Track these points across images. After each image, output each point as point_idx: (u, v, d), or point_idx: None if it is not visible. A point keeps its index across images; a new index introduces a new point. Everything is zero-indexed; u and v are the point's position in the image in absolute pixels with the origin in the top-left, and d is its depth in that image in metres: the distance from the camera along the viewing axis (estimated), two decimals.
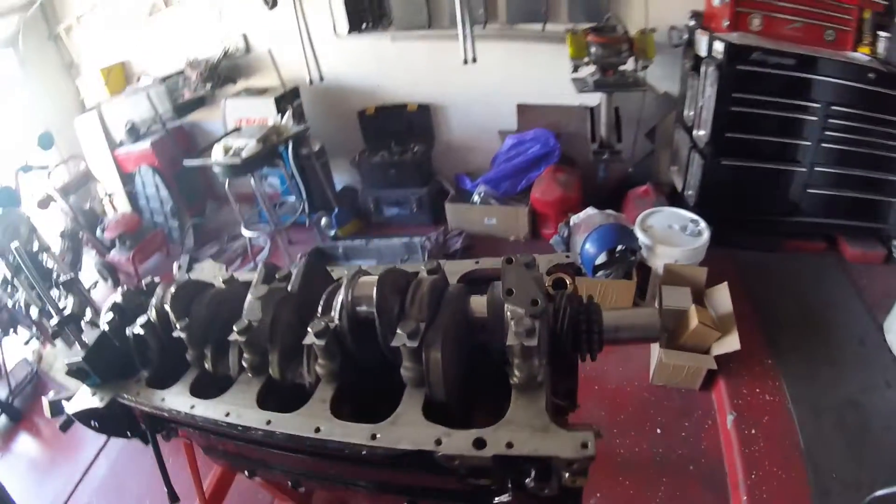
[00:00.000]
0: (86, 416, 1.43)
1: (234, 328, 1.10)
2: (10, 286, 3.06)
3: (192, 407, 1.21)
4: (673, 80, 3.50)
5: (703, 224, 2.85)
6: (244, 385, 1.17)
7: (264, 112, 4.15)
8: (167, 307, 1.31)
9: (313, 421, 0.99)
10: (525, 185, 3.71)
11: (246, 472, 1.64)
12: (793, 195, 3.02)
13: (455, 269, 1.28)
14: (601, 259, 2.82)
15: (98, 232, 4.43)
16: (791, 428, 2.19)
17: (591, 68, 3.13)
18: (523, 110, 3.86)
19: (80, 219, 4.18)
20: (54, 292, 2.91)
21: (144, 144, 4.57)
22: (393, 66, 4.17)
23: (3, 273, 3.01)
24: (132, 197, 4.87)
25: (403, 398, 0.94)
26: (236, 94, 4.52)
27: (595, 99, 3.35)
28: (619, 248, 2.78)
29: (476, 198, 3.83)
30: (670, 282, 2.60)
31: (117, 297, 1.50)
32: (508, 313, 0.85)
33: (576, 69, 3.15)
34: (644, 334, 0.95)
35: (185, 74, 4.50)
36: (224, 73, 4.52)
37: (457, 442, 0.81)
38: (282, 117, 3.83)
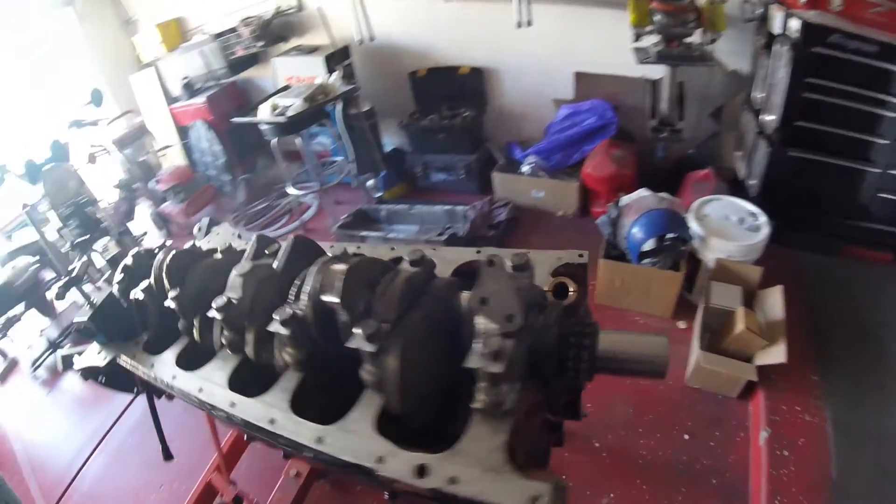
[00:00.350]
0: (92, 373, 1.48)
1: (213, 304, 1.08)
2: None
3: (174, 377, 1.22)
4: (743, 57, 3.14)
5: (762, 218, 2.58)
6: (221, 361, 1.17)
7: (314, 71, 4.15)
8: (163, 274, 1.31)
9: (270, 411, 0.96)
10: (578, 158, 3.50)
11: (245, 437, 1.66)
12: (862, 197, 2.68)
13: (454, 258, 1.18)
14: (649, 245, 2.62)
15: (152, 184, 4.64)
16: (825, 455, 2.01)
17: (654, 38, 2.86)
18: (581, 79, 3.61)
19: (134, 171, 4.38)
20: (103, 241, 3.06)
21: (199, 100, 4.71)
22: (446, 27, 4.01)
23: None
24: (186, 151, 5.05)
25: (360, 401, 0.88)
26: (287, 52, 4.53)
27: (658, 72, 3.07)
28: (669, 235, 2.56)
29: (525, 168, 3.67)
30: (721, 278, 2.38)
31: (128, 259, 1.52)
32: (478, 327, 0.75)
33: (637, 38, 2.89)
34: (647, 368, 0.83)
35: (237, 31, 4.54)
36: (276, 30, 4.53)
37: (398, 464, 0.75)
38: (330, 77, 3.79)
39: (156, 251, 1.52)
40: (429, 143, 4.19)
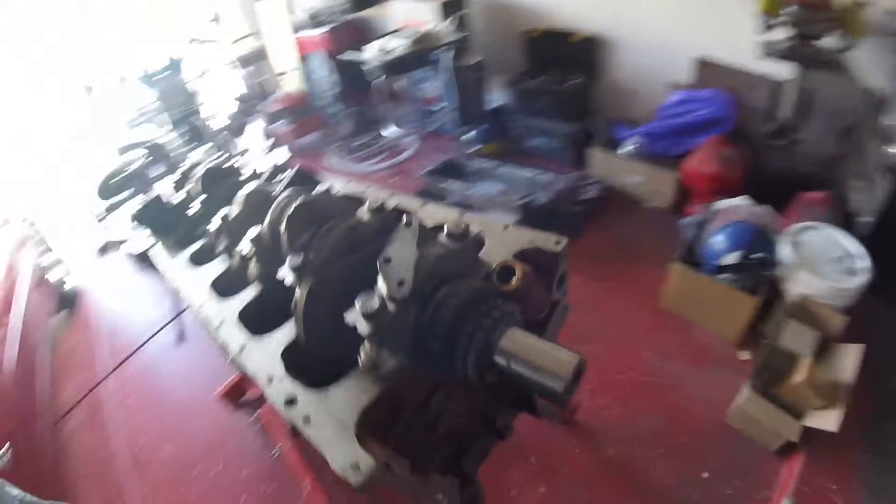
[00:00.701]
0: (137, 255, 1.67)
1: (219, 213, 1.16)
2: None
3: (181, 270, 1.33)
4: (881, 74, 2.56)
5: (864, 263, 2.17)
6: (217, 264, 1.26)
7: (427, 16, 4.15)
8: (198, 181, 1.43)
9: (223, 313, 1.03)
10: (684, 149, 3.16)
11: None
12: None
13: (439, 217, 1.13)
14: (730, 259, 2.35)
15: (266, 104, 4.99)
16: None
17: (785, 32, 2.43)
18: (702, 65, 3.22)
19: (252, 89, 4.73)
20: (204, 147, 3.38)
21: (322, 31, 4.92)
22: None
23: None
24: (304, 77, 5.30)
25: (286, 325, 0.91)
26: None
27: (784, 72, 2.66)
28: (755, 254, 2.27)
29: (626, 149, 3.41)
30: (799, 317, 2.07)
31: (186, 164, 1.66)
32: (378, 285, 0.72)
33: (766, 28, 2.47)
34: (543, 385, 0.69)
35: None
36: None
37: (280, 389, 0.77)
38: (442, 24, 3.75)
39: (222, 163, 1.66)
40: (532, 106, 4.04)
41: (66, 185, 4.16)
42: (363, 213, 0.95)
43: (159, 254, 1.48)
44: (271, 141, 3.36)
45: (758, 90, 2.97)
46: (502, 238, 1.01)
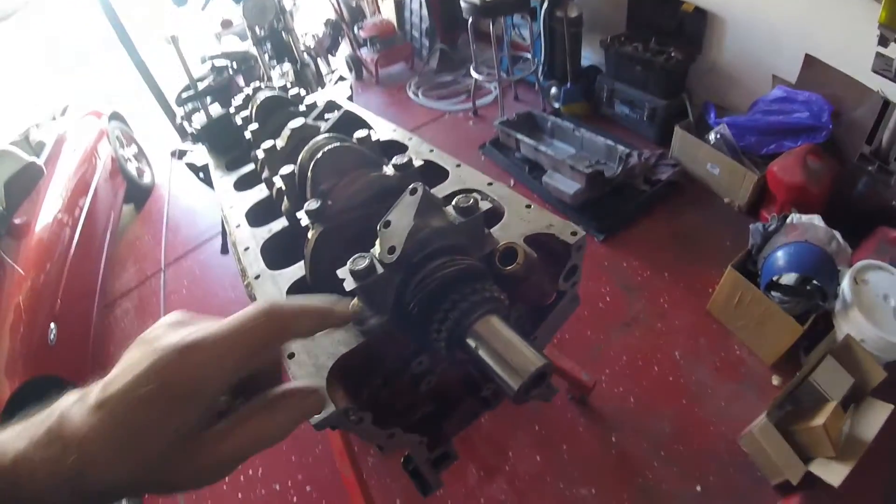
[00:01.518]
0: (192, 168, 1.81)
1: (261, 146, 1.24)
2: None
3: (226, 192, 1.44)
4: None
5: None
6: (256, 192, 1.36)
7: None
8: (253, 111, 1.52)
9: (250, 241, 1.14)
10: (773, 150, 2.94)
11: None
12: None
13: (472, 179, 1.15)
14: (785, 280, 2.24)
15: (356, 29, 5.00)
16: None
17: None
18: (811, 64, 2.89)
19: (344, 13, 4.73)
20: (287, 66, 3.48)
21: None
22: None
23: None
24: (397, 8, 5.27)
25: (299, 263, 0.98)
26: None
27: (894, 92, 2.37)
28: (814, 283, 2.15)
29: (712, 137, 3.21)
30: (840, 358, 1.96)
31: (249, 89, 1.74)
32: (374, 247, 0.78)
33: (884, 42, 2.20)
34: (500, 377, 0.67)
35: None
36: None
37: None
38: None
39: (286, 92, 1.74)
40: (625, 72, 3.84)
41: (159, 84, 4.41)
42: (388, 168, 0.99)
43: (214, 170, 1.60)
44: (336, 74, 3.39)
45: (863, 105, 2.68)
46: (521, 216, 1.02)
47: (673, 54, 3.47)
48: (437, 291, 0.73)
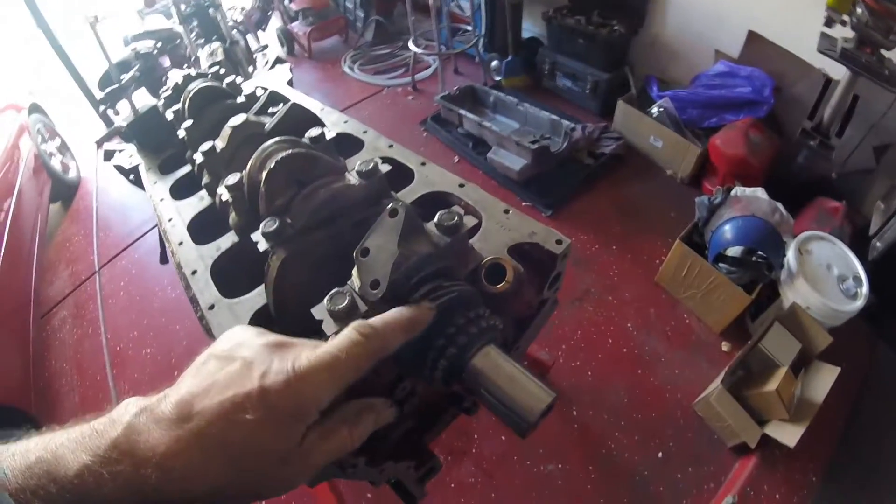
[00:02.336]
0: (122, 171, 1.60)
1: (199, 149, 1.09)
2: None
3: (161, 200, 1.27)
4: None
5: (865, 289, 2.12)
6: (196, 200, 1.19)
7: None
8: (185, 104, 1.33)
9: (197, 263, 1.01)
10: (714, 123, 2.99)
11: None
12: None
13: (437, 180, 1.05)
14: (732, 252, 2.30)
15: (286, 1, 4.67)
16: None
17: (848, 32, 2.22)
18: (753, 40, 2.95)
19: None
20: (215, 45, 3.18)
21: None
22: None
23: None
24: None
25: (258, 290, 0.86)
26: None
27: (838, 71, 2.44)
28: (760, 254, 2.20)
29: (655, 110, 3.23)
30: (787, 325, 2.05)
31: (178, 77, 1.55)
32: (352, 277, 0.67)
33: (829, 23, 2.25)
34: (507, 416, 0.61)
35: None
36: None
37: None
38: None
39: (213, 73, 1.54)
40: (566, 45, 3.79)
41: (80, 71, 3.96)
42: (352, 175, 0.88)
43: (146, 173, 1.41)
44: (267, 51, 3.13)
45: (804, 82, 2.75)
46: (501, 224, 0.94)
47: (615, 27, 3.43)
48: (427, 328, 0.65)
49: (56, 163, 3.96)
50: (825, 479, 1.99)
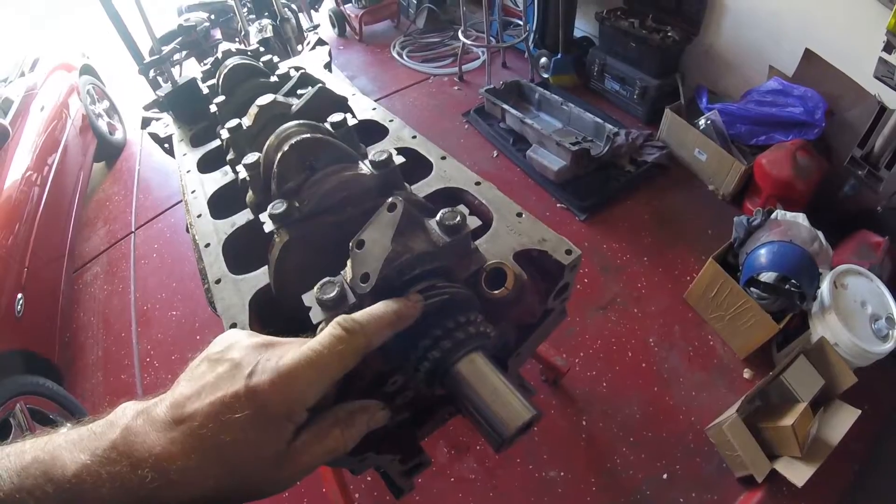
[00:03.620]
0: (157, 139, 1.64)
1: (226, 125, 1.11)
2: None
3: (188, 172, 1.30)
4: None
5: None
6: (220, 175, 1.21)
7: None
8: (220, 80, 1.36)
9: (211, 237, 1.02)
10: (762, 141, 2.87)
11: None
12: None
13: (455, 175, 1.04)
14: (765, 278, 2.21)
15: None
16: None
17: None
18: (810, 59, 2.78)
19: None
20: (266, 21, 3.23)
21: None
22: None
23: None
24: None
25: (263, 268, 0.87)
26: None
27: (893, 100, 2.31)
28: (794, 282, 2.12)
29: (702, 122, 3.12)
30: (812, 359, 1.96)
31: (220, 53, 1.58)
32: (345, 268, 0.68)
33: (888, 49, 2.12)
34: (484, 427, 0.60)
35: None
36: None
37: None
38: None
39: (256, 51, 1.57)
40: (618, 47, 3.69)
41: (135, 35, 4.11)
42: (365, 164, 0.88)
43: (177, 144, 1.44)
44: (317, 31, 3.14)
45: (858, 107, 2.60)
46: (512, 227, 0.93)
47: (670, 33, 3.32)
48: (417, 325, 0.65)
49: (103, 124, 4.12)
50: None
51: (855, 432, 1.84)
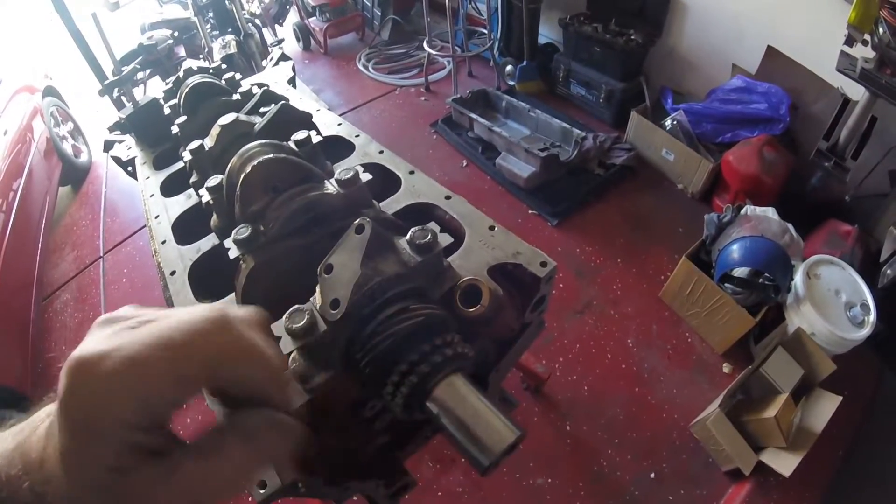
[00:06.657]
0: (119, 162, 1.58)
1: (188, 147, 1.07)
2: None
3: (151, 196, 1.25)
4: None
5: (873, 317, 2.05)
6: (184, 199, 1.17)
7: None
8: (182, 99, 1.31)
9: (176, 263, 0.97)
10: (728, 139, 2.92)
11: None
12: None
13: (425, 190, 1.02)
14: (739, 273, 2.24)
15: None
16: None
17: (868, 52, 2.15)
18: (772, 56, 2.87)
19: None
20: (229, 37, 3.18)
21: None
22: None
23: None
24: None
25: (231, 295, 0.84)
26: None
27: (856, 92, 2.37)
28: (767, 276, 2.14)
29: (668, 122, 3.16)
30: (791, 349, 1.99)
31: (181, 71, 1.52)
32: (315, 295, 0.65)
33: (850, 42, 2.18)
34: (465, 448, 0.57)
35: None
36: None
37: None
38: None
39: (210, 70, 1.52)
40: (582, 53, 3.73)
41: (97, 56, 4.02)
42: (331, 183, 0.85)
43: (140, 167, 1.39)
44: (280, 46, 3.10)
45: (822, 101, 2.68)
46: (485, 241, 0.90)
47: (633, 36, 3.37)
48: (392, 351, 0.62)
49: (67, 146, 3.99)
50: None
51: (838, 419, 1.87)
